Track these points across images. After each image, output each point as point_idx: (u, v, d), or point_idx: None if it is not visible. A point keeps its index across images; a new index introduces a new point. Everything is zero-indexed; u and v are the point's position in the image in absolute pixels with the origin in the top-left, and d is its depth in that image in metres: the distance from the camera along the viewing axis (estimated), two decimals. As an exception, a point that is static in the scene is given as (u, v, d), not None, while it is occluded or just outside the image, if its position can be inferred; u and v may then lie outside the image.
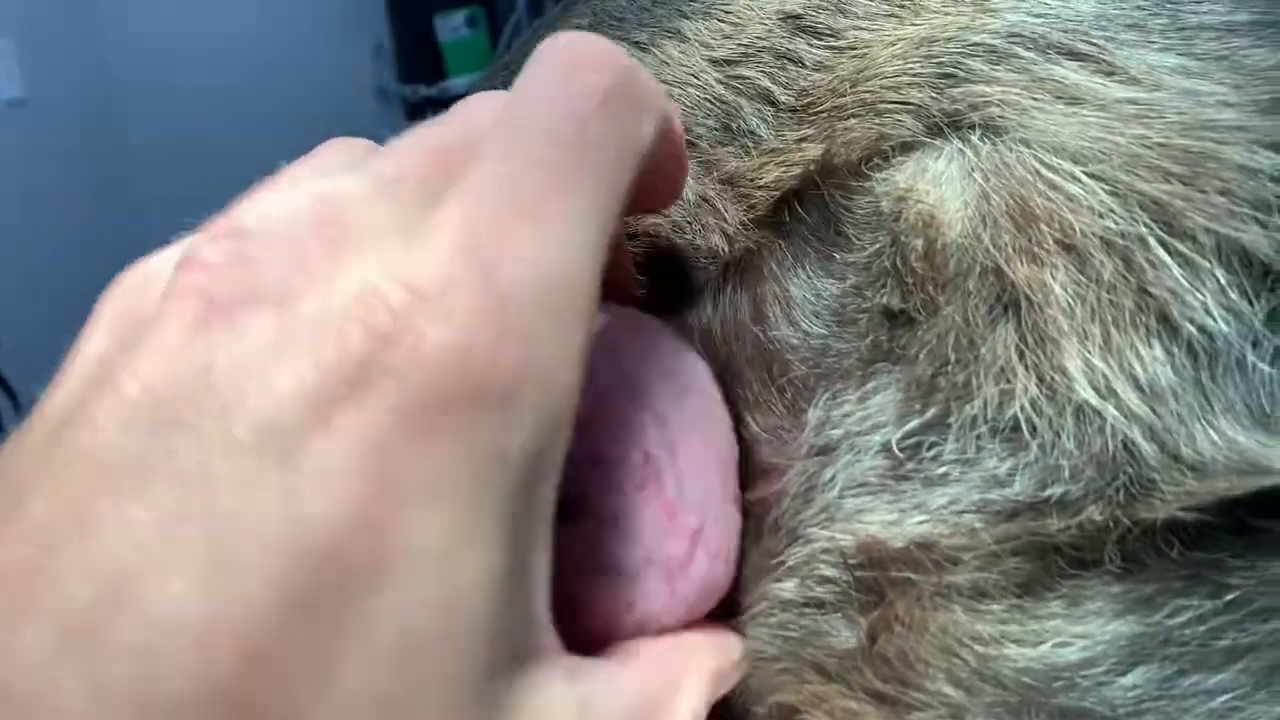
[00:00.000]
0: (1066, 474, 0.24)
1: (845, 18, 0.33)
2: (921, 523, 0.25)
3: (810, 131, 0.32)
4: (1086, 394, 0.24)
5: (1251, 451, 0.23)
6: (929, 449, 0.26)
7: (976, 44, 0.29)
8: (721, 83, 0.35)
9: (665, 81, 0.37)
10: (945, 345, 0.27)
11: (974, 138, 0.28)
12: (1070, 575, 0.23)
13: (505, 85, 0.27)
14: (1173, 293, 0.24)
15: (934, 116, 0.29)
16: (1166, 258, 0.24)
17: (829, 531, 0.27)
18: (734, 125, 0.34)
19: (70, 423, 0.17)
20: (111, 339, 0.19)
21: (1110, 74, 0.27)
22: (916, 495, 0.26)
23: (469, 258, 0.18)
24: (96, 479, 0.16)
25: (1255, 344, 0.24)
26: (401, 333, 0.17)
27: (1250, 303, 0.24)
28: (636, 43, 0.38)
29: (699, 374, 0.27)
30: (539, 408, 0.18)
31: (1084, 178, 0.26)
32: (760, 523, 0.28)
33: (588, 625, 0.23)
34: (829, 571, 0.26)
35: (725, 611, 0.27)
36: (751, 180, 0.33)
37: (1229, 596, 0.23)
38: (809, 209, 0.31)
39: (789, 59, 0.34)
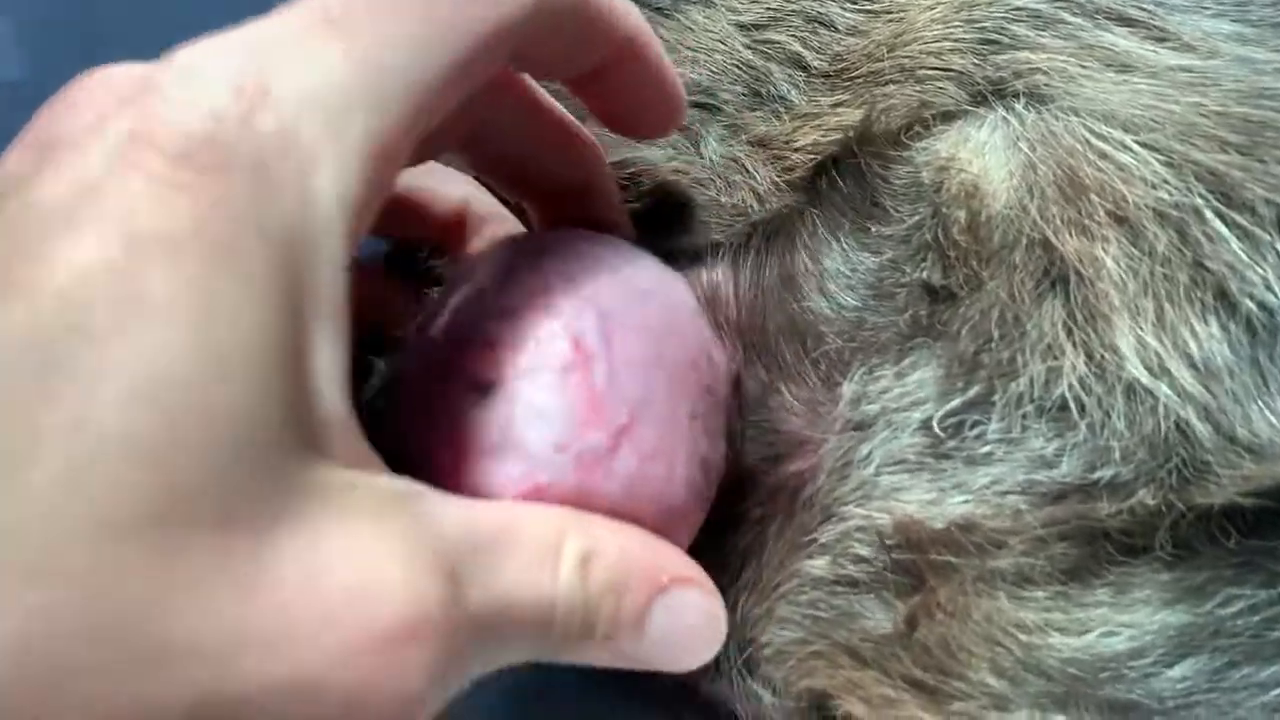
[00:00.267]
0: (1117, 455, 0.24)
1: (880, -20, 0.32)
2: (963, 502, 0.24)
3: (845, 97, 0.31)
4: (1138, 372, 0.23)
5: (1312, 433, 0.22)
6: (972, 428, 0.25)
7: (1020, 8, 0.28)
8: (749, 47, 0.34)
9: (689, 48, 0.35)
10: (989, 321, 0.26)
11: (1018, 106, 0.27)
12: (1119, 562, 0.23)
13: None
14: (1230, 267, 0.23)
15: (977, 84, 0.28)
16: (1224, 230, 0.23)
17: (865, 509, 0.26)
18: (763, 90, 0.33)
19: None
20: None
21: (1162, 40, 0.26)
22: (957, 474, 0.25)
23: (249, 49, 0.19)
24: None
25: (1317, 321, 0.23)
26: (156, 102, 0.18)
27: (1313, 278, 0.23)
28: (659, 9, 0.37)
29: (673, 292, 0.26)
30: (301, 187, 0.18)
31: (1136, 147, 0.25)
32: (794, 498, 0.28)
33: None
34: (864, 551, 0.26)
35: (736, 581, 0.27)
36: (786, 143, 0.32)
37: (1285, 585, 0.22)
38: (844, 178, 0.29)
39: (820, 22, 0.33)
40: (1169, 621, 0.22)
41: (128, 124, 0.18)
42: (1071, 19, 0.27)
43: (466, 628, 0.19)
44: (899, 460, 0.26)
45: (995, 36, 0.28)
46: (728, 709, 0.29)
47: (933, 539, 0.24)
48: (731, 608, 0.29)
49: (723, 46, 0.34)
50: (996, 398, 0.25)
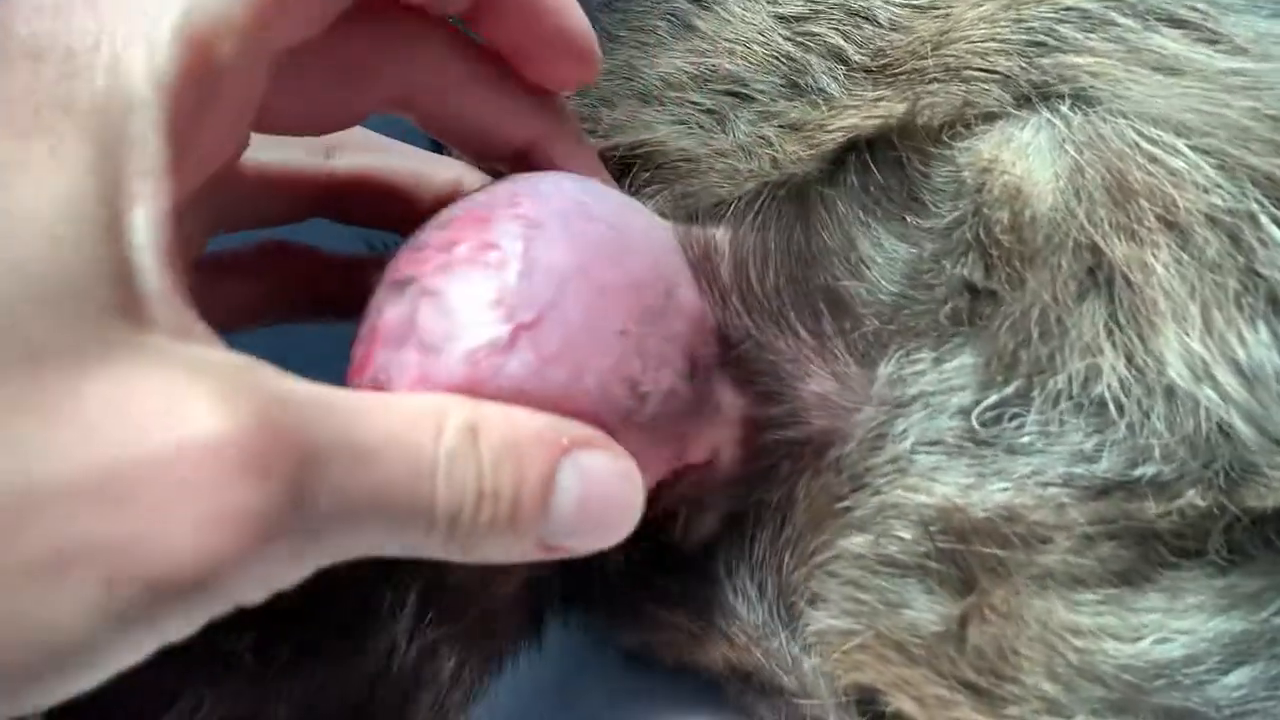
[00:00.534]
0: (1157, 454, 0.24)
1: (925, -26, 0.31)
2: (1003, 490, 0.25)
3: (887, 92, 0.31)
4: (1179, 376, 0.24)
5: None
6: (1011, 419, 0.26)
7: (1070, 8, 0.28)
8: (790, 39, 0.34)
9: (727, 39, 0.35)
10: (1029, 320, 0.26)
11: (1063, 108, 0.27)
12: (1171, 565, 0.23)
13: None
14: (1284, 273, 0.23)
15: (1021, 87, 0.28)
16: (1280, 235, 0.23)
17: (901, 487, 0.26)
18: (802, 82, 0.33)
19: None
20: None
21: (1214, 43, 0.26)
22: (998, 461, 0.25)
23: None
24: None
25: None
26: None
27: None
28: (698, 0, 0.37)
29: (631, 221, 0.26)
30: (113, 70, 0.19)
31: (1188, 150, 0.25)
32: (820, 456, 0.28)
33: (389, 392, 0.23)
34: (905, 533, 0.26)
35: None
36: (820, 126, 0.31)
37: (1342, 594, 0.22)
38: (880, 166, 0.29)
39: (861, 16, 0.33)
40: (1224, 629, 0.22)
41: None
42: (1121, 20, 0.27)
43: (300, 465, 0.18)
44: (936, 441, 0.26)
45: (1043, 39, 0.28)
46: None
47: (975, 528, 0.24)
48: (776, 569, 0.29)
49: (761, 38, 0.34)
50: (1035, 393, 0.25)
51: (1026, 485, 0.25)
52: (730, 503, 0.29)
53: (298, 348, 0.31)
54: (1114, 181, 0.25)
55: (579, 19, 0.26)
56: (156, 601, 0.17)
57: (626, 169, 0.35)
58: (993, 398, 0.26)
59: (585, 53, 0.26)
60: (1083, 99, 0.27)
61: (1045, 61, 0.28)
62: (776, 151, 0.32)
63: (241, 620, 0.22)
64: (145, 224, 0.18)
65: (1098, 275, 0.25)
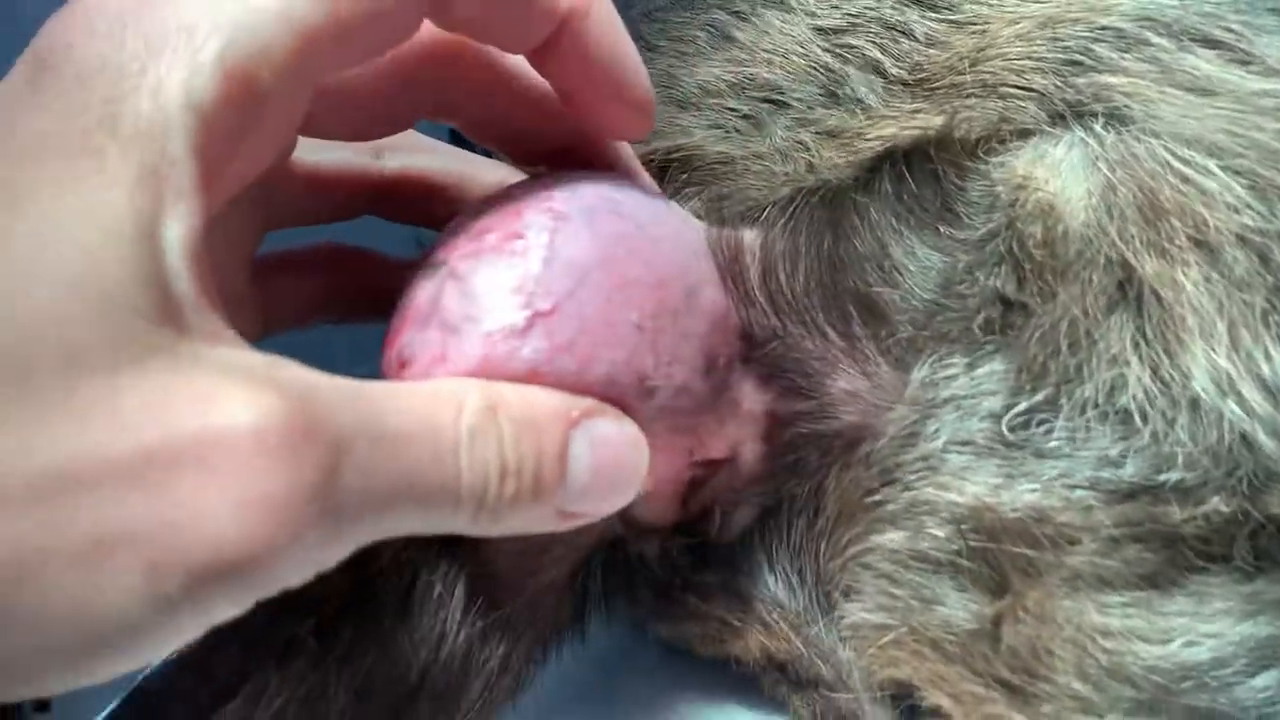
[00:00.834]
0: (1180, 461, 0.25)
1: (962, -10, 0.32)
2: (1032, 491, 0.26)
3: (925, 106, 0.32)
4: (1204, 391, 0.24)
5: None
6: (1039, 425, 0.26)
7: (1105, 27, 0.29)
8: (828, 50, 0.34)
9: (765, 50, 0.36)
10: (1058, 332, 0.27)
11: (1097, 126, 0.28)
12: (1198, 570, 0.24)
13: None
14: (1313, 294, 0.24)
15: (1056, 105, 0.29)
16: (1310, 256, 0.24)
17: (932, 485, 0.27)
18: (840, 92, 0.34)
19: None
20: None
21: (1246, 64, 0.27)
22: (1027, 464, 0.26)
23: None
24: None
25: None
26: (48, 21, 0.20)
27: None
28: (736, 12, 0.37)
29: (663, 222, 0.27)
30: (156, 92, 0.19)
31: (1219, 171, 0.26)
32: (850, 451, 0.29)
33: (409, 372, 0.24)
34: (939, 530, 0.27)
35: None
36: (859, 134, 0.32)
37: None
38: (914, 176, 0.30)
39: (899, 30, 0.33)
40: (1251, 633, 0.23)
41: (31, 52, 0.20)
42: (1156, 39, 0.28)
43: (330, 450, 0.19)
44: (967, 441, 0.27)
45: (1078, 58, 0.29)
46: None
47: (1006, 527, 0.25)
48: (814, 555, 0.30)
49: (800, 49, 0.35)
50: (1063, 401, 0.26)
51: (1054, 487, 0.26)
52: (762, 497, 0.30)
53: (341, 345, 0.32)
54: (1146, 200, 0.26)
55: (638, 72, 0.26)
56: (199, 585, 0.17)
57: (663, 171, 0.36)
58: (1022, 404, 0.27)
59: (643, 104, 0.27)
60: (1116, 118, 0.28)
61: (1080, 80, 0.29)
62: (813, 156, 0.33)
63: (303, 605, 0.23)
64: (179, 239, 0.19)
65: (1127, 290, 0.26)
